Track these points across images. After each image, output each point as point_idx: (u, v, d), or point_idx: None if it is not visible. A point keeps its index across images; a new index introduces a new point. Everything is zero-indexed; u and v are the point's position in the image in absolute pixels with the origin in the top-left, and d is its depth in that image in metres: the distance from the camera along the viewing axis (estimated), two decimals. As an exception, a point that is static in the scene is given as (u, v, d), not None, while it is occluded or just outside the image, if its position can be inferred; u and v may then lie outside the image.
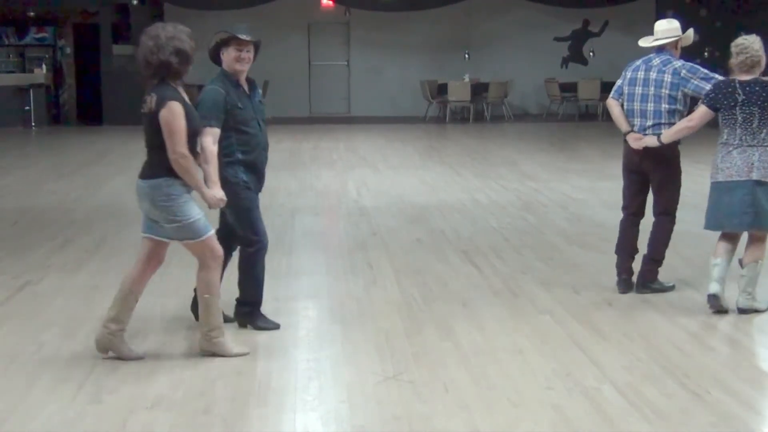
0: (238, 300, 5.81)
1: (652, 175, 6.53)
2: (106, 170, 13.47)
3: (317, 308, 6.38)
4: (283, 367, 5.12)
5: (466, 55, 22.65)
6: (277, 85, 22.15)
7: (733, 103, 5.94)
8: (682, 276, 7.04)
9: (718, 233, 6.16)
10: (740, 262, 6.10)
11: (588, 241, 8.32)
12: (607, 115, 21.70)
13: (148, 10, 21.32)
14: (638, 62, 6.67)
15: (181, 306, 6.28)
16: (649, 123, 6.46)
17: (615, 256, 6.70)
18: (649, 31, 6.78)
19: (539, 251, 7.93)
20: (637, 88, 6.53)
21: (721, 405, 4.51)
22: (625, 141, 6.54)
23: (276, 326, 5.72)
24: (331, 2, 22.61)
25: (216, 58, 5.55)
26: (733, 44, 6.03)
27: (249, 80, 5.63)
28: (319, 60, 23.41)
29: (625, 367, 5.05)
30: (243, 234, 5.68)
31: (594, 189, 11.29)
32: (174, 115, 4.91)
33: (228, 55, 5.45)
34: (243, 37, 5.40)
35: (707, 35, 21.95)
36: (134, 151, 16.11)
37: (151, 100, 4.98)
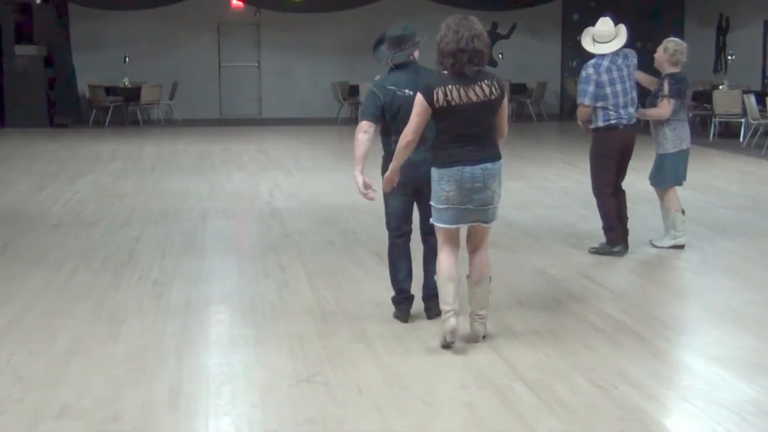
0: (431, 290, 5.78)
1: (627, 156, 7.77)
2: (8, 174, 13.07)
3: (229, 312, 6.32)
4: (195, 372, 5.06)
5: (378, 57, 22.71)
6: (187, 87, 21.87)
7: (687, 91, 7.85)
8: (587, 273, 7.20)
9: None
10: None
11: (499, 240, 8.41)
12: (516, 117, 22.09)
13: (52, 9, 20.80)
14: (606, 63, 7.53)
15: (90, 310, 6.15)
16: (632, 109, 7.68)
17: (524, 255, 6.89)
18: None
19: (451, 251, 7.99)
20: (619, 85, 7.55)
21: (627, 399, 4.62)
22: (616, 128, 7.58)
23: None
24: (240, 3, 22.40)
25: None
26: (673, 43, 7.75)
27: None
28: (229, 61, 23.19)
29: (535, 364, 5.14)
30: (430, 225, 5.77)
31: (504, 189, 11.41)
32: None
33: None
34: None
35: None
36: (38, 154, 15.75)
37: (493, 85, 5.23)
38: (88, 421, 4.36)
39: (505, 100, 5.33)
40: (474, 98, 5.18)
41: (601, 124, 7.60)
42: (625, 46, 7.69)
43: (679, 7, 22.67)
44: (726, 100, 17.41)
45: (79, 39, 21.64)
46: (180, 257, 7.85)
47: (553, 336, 5.64)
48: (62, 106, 20.72)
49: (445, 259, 5.35)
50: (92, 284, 6.93)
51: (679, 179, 8.01)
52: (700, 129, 18.90)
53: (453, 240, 5.40)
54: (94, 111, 20.92)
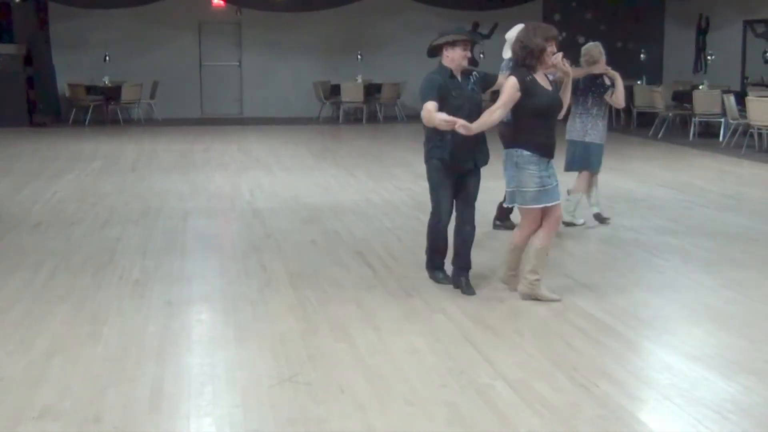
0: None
1: None
2: (-12, 173, 13.02)
3: (210, 312, 6.30)
4: (176, 372, 5.04)
5: (359, 56, 22.72)
6: (168, 86, 21.80)
7: (581, 90, 8.76)
8: (567, 272, 7.23)
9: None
10: (569, 192, 8.98)
11: (480, 240, 8.43)
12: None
13: (31, 8, 20.67)
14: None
15: (71, 311, 6.12)
16: None
17: (503, 254, 6.94)
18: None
19: (432, 251, 7.99)
20: None
21: (609, 397, 4.64)
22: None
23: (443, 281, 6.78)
24: (222, 2, 22.35)
25: (434, 53, 6.48)
26: (584, 48, 8.76)
27: (466, 70, 6.52)
28: (211, 60, 23.13)
29: (516, 363, 5.15)
30: (432, 205, 6.71)
31: (485, 189, 11.43)
32: (507, 84, 6.15)
33: (455, 53, 6.38)
34: (477, 40, 6.43)
35: (592, 37, 22.66)
36: (18, 153, 15.64)
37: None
38: (69, 422, 4.34)
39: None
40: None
41: None
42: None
43: (660, 7, 22.81)
44: (706, 100, 17.52)
45: (59, 37, 21.52)
46: (161, 257, 7.82)
47: (534, 334, 5.66)
48: (42, 105, 20.60)
49: None
50: (73, 284, 6.89)
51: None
52: (680, 128, 19.02)
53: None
54: (74, 110, 20.81)
